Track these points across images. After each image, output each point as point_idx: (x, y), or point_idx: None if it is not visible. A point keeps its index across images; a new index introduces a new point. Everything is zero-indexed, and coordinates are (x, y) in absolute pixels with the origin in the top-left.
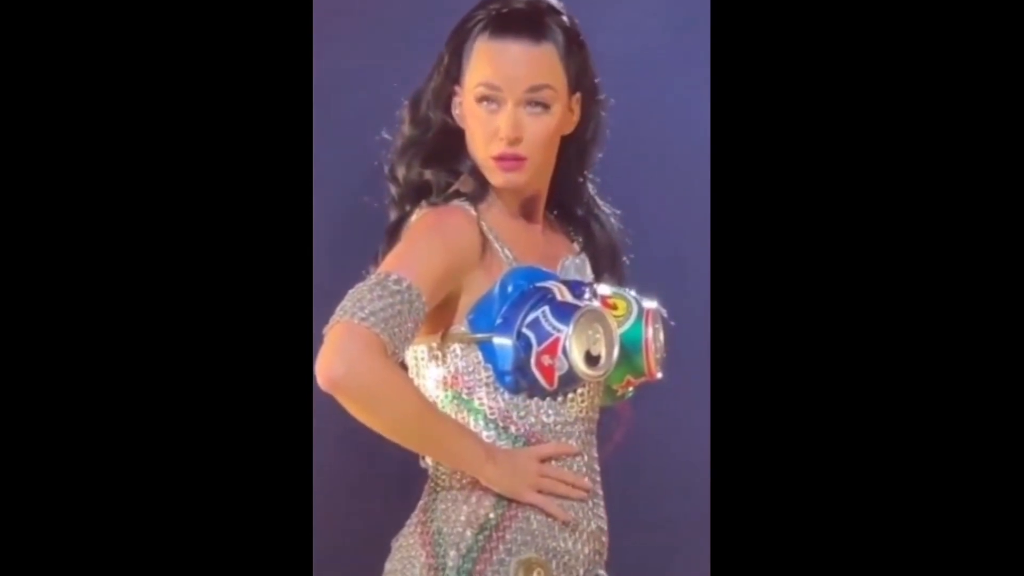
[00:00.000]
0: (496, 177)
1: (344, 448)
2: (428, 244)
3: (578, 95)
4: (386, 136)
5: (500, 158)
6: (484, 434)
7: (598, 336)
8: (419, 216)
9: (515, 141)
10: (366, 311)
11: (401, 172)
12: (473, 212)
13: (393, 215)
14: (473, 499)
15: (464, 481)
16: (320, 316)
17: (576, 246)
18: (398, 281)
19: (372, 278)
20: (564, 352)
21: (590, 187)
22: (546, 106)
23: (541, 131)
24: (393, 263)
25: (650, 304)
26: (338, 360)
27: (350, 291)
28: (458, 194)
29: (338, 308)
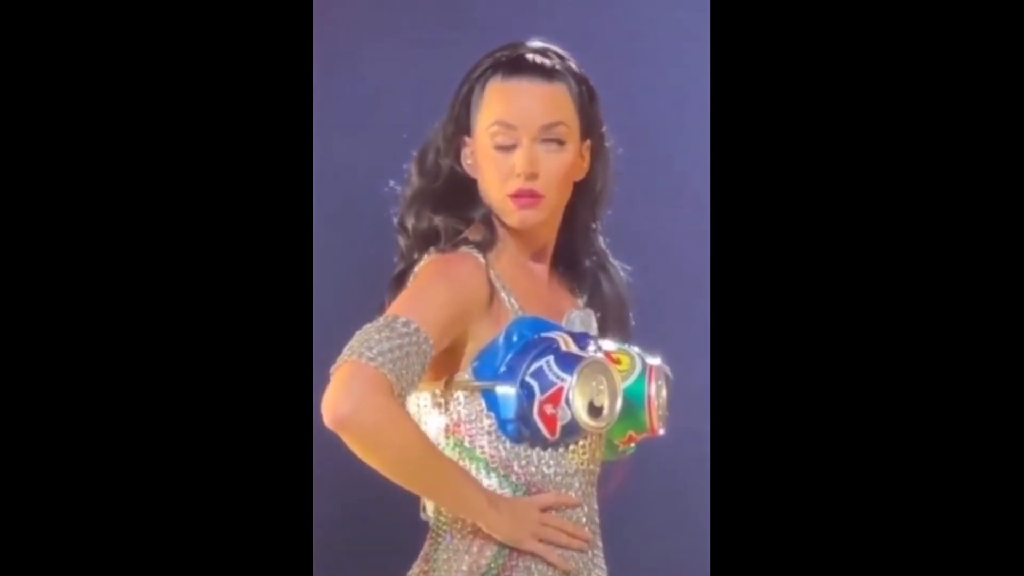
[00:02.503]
0: (512, 216)
1: (344, 496)
2: (437, 289)
3: (588, 142)
4: (394, 186)
5: (517, 195)
6: (485, 482)
7: (601, 387)
8: (427, 262)
9: (532, 176)
10: (374, 351)
11: (411, 222)
12: (482, 260)
13: (400, 266)
14: (475, 549)
15: (465, 531)
16: (321, 320)
17: (580, 301)
18: (407, 324)
19: (380, 320)
20: (567, 402)
21: (600, 240)
22: (561, 143)
23: (557, 168)
24: (402, 306)
25: (654, 361)
26: (345, 398)
27: (358, 332)
28: (467, 241)
29: (345, 348)
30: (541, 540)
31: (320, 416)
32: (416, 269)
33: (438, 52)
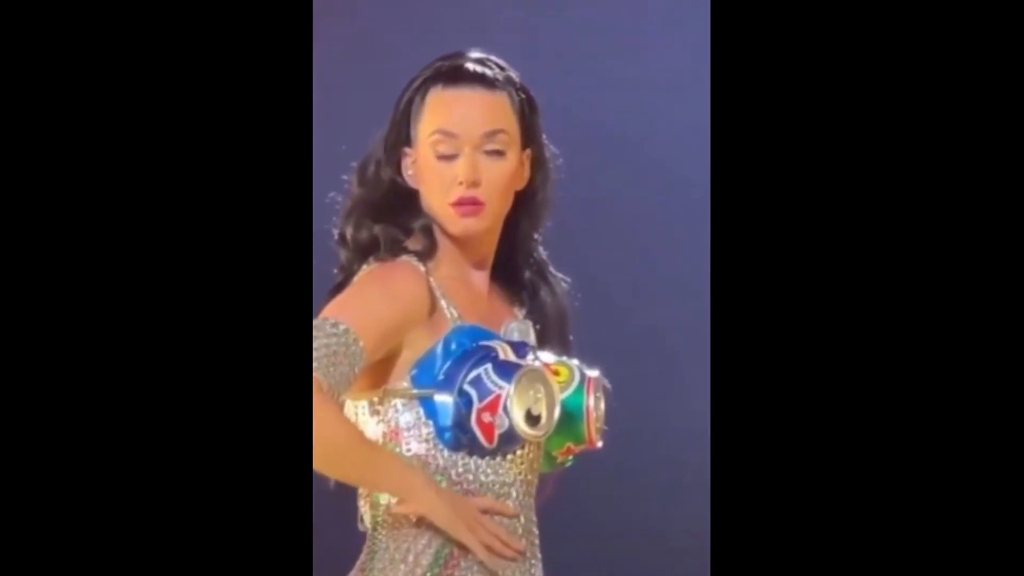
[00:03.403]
0: (454, 225)
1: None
2: (373, 295)
3: (528, 152)
4: (336, 197)
5: (459, 203)
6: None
7: (539, 396)
8: (366, 271)
9: (474, 184)
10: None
11: (350, 232)
12: (422, 268)
13: (339, 278)
14: (410, 559)
15: (401, 541)
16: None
17: (520, 312)
18: (335, 324)
19: (318, 322)
20: (505, 410)
21: (541, 250)
22: (501, 152)
23: (499, 176)
24: (333, 309)
25: (592, 373)
26: None
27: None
28: (407, 251)
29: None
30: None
31: None
32: (355, 279)
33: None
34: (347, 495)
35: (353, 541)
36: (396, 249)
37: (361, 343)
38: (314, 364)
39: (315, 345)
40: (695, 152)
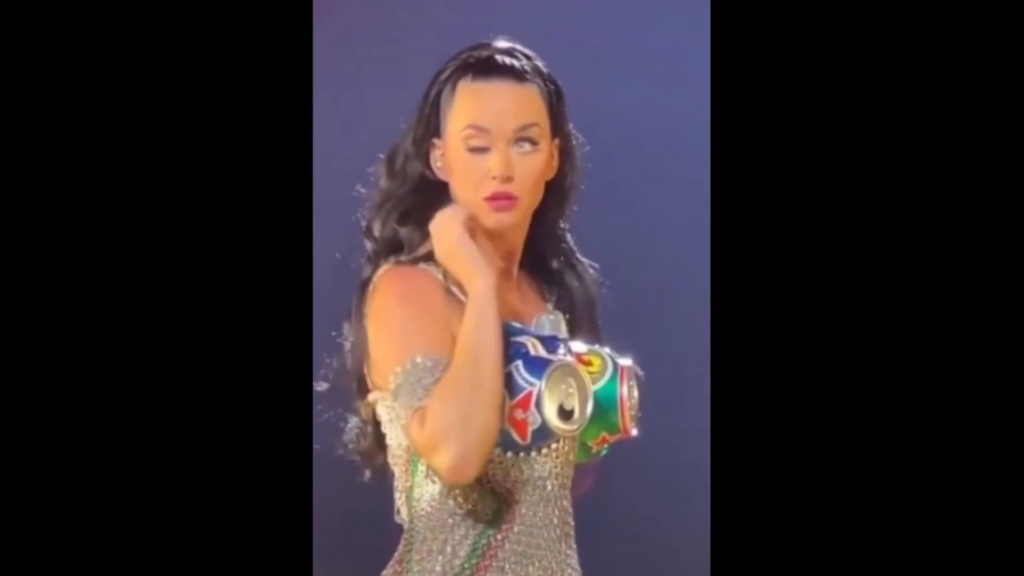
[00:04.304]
0: (488, 218)
1: (345, 498)
2: (407, 317)
3: (557, 141)
4: (361, 190)
5: (493, 198)
6: (458, 487)
7: (571, 390)
8: (384, 279)
9: (507, 179)
10: (416, 397)
11: (377, 227)
12: (439, 275)
13: (367, 271)
14: (448, 549)
15: (438, 532)
16: (321, 320)
17: (550, 305)
18: (424, 359)
19: (403, 367)
20: (537, 406)
21: (568, 238)
22: (535, 143)
23: (531, 169)
24: (396, 350)
25: (625, 361)
26: (449, 448)
27: (398, 382)
28: (428, 256)
29: (401, 396)
30: None
31: (320, 416)
32: (374, 279)
33: (435, 57)
34: (349, 496)
35: (353, 541)
36: (416, 255)
37: (444, 361)
38: (424, 397)
39: (427, 382)
40: (695, 150)
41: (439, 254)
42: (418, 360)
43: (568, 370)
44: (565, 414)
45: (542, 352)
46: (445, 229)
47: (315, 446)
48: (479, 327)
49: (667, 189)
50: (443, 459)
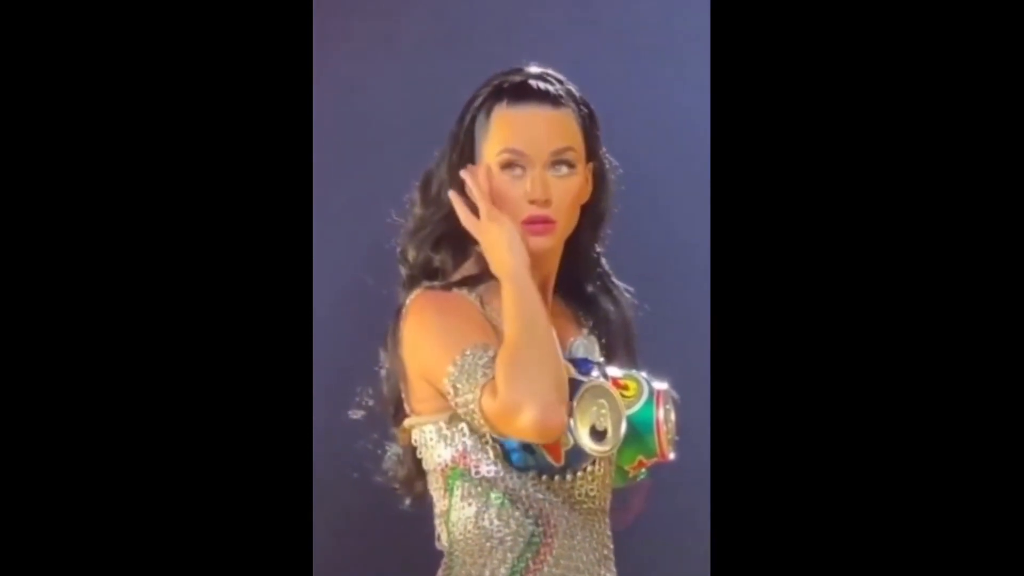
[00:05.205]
0: (525, 243)
1: (345, 498)
2: (447, 324)
3: (591, 164)
4: (396, 219)
5: (530, 221)
6: (493, 510)
7: (604, 411)
8: (417, 302)
9: (545, 203)
10: (479, 376)
11: (411, 254)
12: (474, 300)
13: (401, 297)
14: (487, 574)
15: (477, 558)
16: (321, 320)
17: (585, 329)
18: (481, 349)
19: (466, 356)
20: (569, 428)
21: (604, 262)
22: (572, 165)
23: (566, 193)
24: (443, 350)
25: (660, 385)
26: (526, 406)
27: (455, 375)
28: (463, 282)
29: (462, 385)
30: None
31: (320, 416)
32: (407, 304)
33: (438, 74)
34: (349, 496)
35: (354, 542)
36: (450, 281)
37: (493, 349)
38: (489, 372)
39: (483, 369)
40: (695, 145)
41: (468, 224)
42: (468, 352)
43: (599, 391)
44: (598, 435)
45: (574, 374)
46: (492, 214)
47: (353, 475)
48: (522, 298)
49: (667, 187)
50: (528, 417)
